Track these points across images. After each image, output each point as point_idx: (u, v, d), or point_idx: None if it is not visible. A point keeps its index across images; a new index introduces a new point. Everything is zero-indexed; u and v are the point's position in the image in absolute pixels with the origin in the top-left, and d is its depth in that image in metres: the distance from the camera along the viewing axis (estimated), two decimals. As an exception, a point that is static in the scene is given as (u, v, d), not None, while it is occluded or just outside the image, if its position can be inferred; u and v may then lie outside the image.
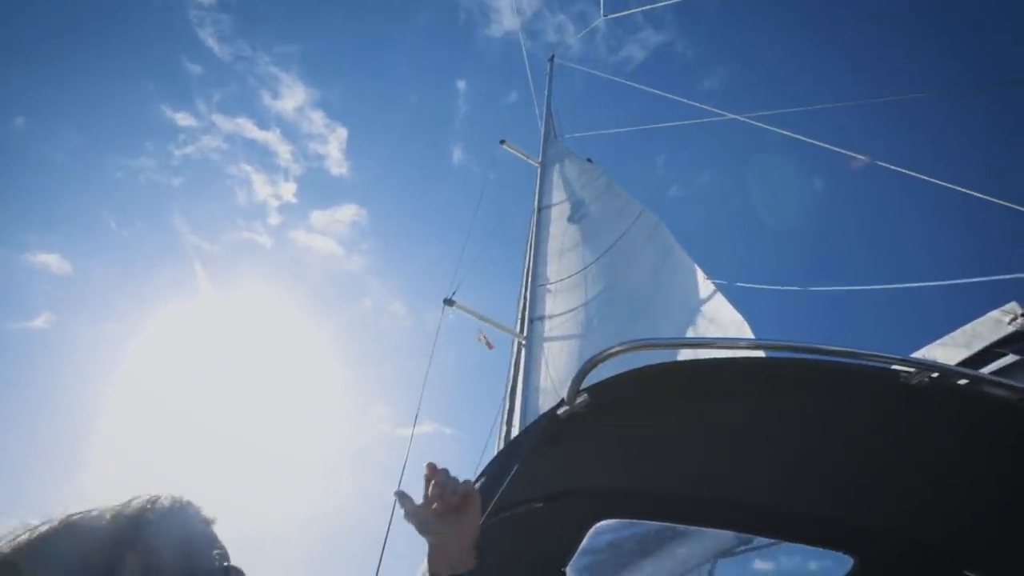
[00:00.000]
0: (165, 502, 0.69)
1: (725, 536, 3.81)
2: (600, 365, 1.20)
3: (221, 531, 0.75)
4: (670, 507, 1.82)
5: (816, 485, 1.66)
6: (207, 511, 0.73)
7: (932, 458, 1.43)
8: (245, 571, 0.70)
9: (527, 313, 10.87)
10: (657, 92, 9.79)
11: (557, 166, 13.31)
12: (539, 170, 13.14)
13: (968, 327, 1.55)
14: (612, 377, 1.21)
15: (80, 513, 0.64)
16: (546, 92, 15.90)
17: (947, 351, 1.51)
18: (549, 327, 10.39)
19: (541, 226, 11.96)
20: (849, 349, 1.20)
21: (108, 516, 0.65)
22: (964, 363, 1.44)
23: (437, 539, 0.97)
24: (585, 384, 1.21)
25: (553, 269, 11.62)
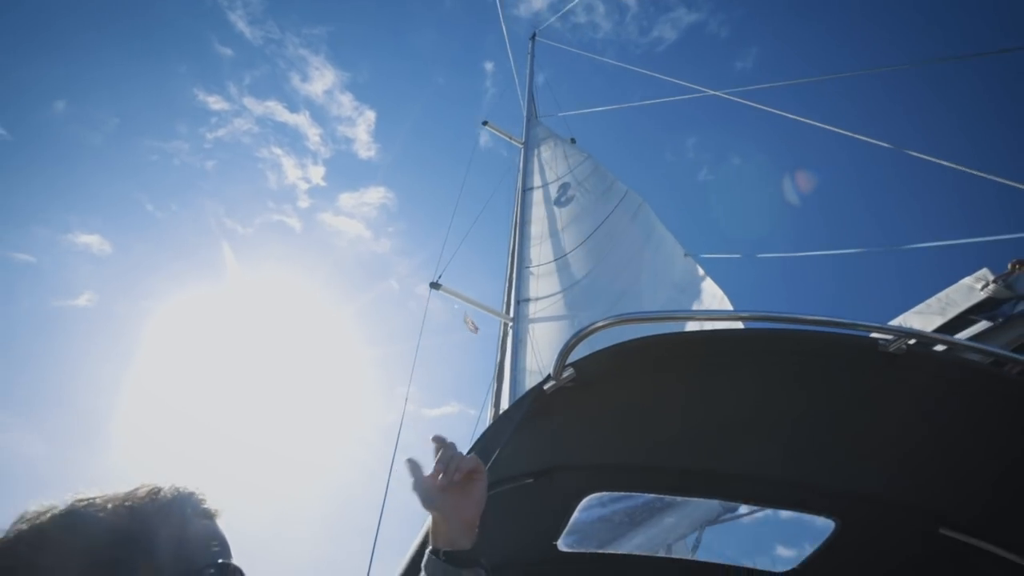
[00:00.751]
0: (167, 494, 0.68)
1: (711, 505, 3.91)
2: (586, 341, 1.22)
3: (233, 520, 0.75)
4: (657, 479, 1.85)
5: (798, 452, 1.70)
6: (210, 503, 0.72)
7: (909, 422, 1.48)
8: (243, 568, 0.69)
9: (513, 295, 10.88)
10: (636, 69, 9.74)
11: (541, 148, 13.24)
12: (522, 151, 13.06)
13: (942, 294, 1.58)
14: (596, 352, 1.23)
15: (84, 500, 0.64)
16: (527, 71, 15.72)
17: (923, 318, 1.54)
18: (535, 309, 10.42)
19: (525, 208, 11.92)
20: (828, 318, 1.22)
21: (109, 507, 0.64)
22: (939, 329, 1.47)
23: (439, 513, 0.95)
24: (571, 359, 1.23)
25: (538, 252, 11.63)
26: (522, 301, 10.85)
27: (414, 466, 0.97)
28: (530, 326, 10.18)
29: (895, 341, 1.21)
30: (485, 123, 13.06)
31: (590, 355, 1.24)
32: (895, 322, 1.62)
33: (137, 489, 0.67)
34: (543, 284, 10.67)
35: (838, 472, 1.74)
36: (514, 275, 11.51)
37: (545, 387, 1.25)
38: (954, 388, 1.33)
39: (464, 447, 1.38)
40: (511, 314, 10.71)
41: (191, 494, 0.71)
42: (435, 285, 10.35)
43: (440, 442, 1.01)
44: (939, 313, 1.65)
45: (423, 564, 0.95)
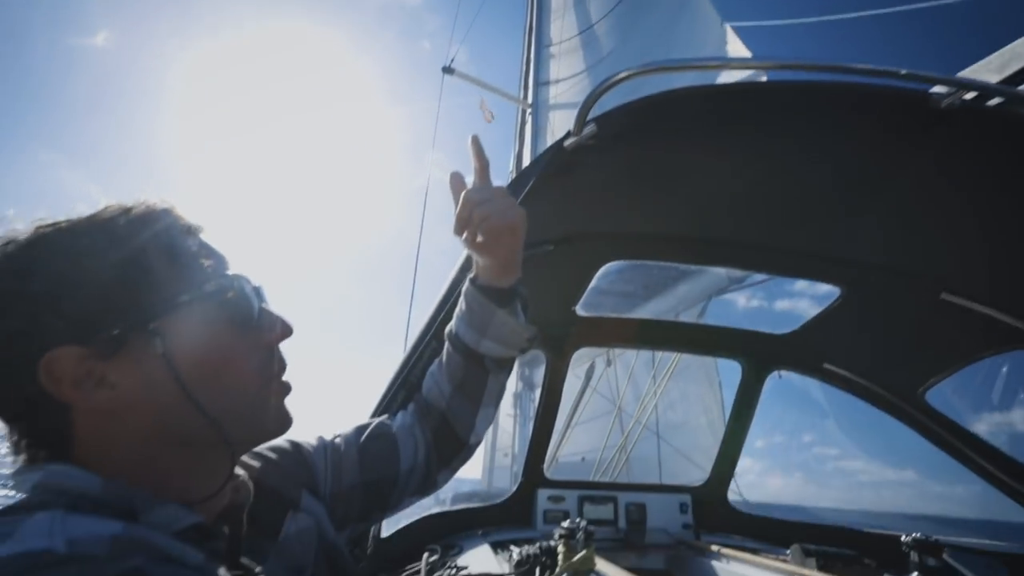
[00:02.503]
0: (140, 210, 0.58)
1: (719, 276, 4.16)
2: (611, 93, 1.14)
3: (270, 273, 0.65)
4: (674, 248, 1.91)
5: (811, 221, 1.71)
6: (192, 219, 0.62)
7: (933, 189, 1.44)
8: (249, 278, 0.63)
9: (531, 77, 10.17)
10: None
11: None
12: None
13: (1006, 49, 1.41)
14: (621, 105, 1.16)
15: (48, 226, 0.55)
16: None
17: (979, 74, 1.39)
18: (555, 93, 9.81)
19: (545, -28, 10.48)
20: (884, 68, 1.11)
21: (79, 228, 0.55)
22: (1002, 83, 1.34)
23: (469, 248, 0.85)
24: (593, 115, 1.16)
25: (559, 27, 10.51)
26: (541, 84, 10.18)
27: (455, 182, 0.83)
28: (550, 114, 9.71)
29: (949, 96, 1.11)
30: None
31: (613, 109, 1.17)
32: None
33: (103, 210, 0.57)
34: (564, 64, 9.86)
35: (848, 240, 1.76)
36: (531, 56, 10.61)
37: (565, 144, 1.20)
38: (1002, 150, 1.26)
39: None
40: (529, 99, 10.14)
41: (167, 209, 0.60)
42: (448, 70, 9.63)
43: (477, 153, 0.85)
44: (997, 71, 1.49)
45: (463, 290, 0.92)
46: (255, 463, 0.73)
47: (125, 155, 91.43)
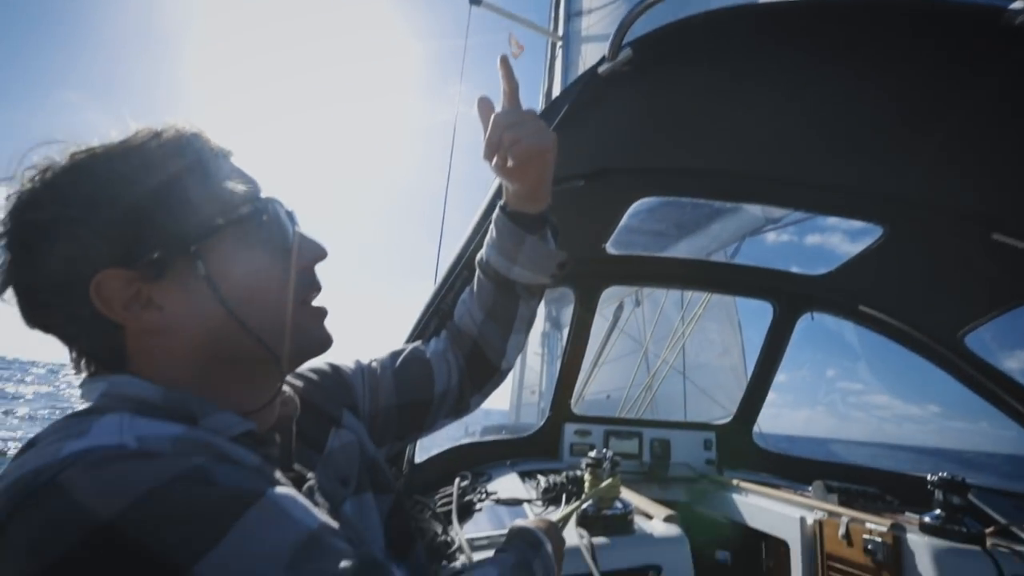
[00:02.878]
0: (169, 133, 0.58)
1: (755, 215, 4.04)
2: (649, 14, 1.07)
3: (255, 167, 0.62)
4: (710, 183, 1.84)
5: (860, 155, 1.62)
6: (221, 143, 0.62)
7: (993, 118, 1.35)
8: (282, 201, 0.63)
9: (562, 8, 9.67)
10: None
11: None
12: None
13: None
14: (660, 27, 1.09)
15: (84, 151, 0.55)
16: None
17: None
18: (587, 24, 9.34)
19: None
20: None
21: (114, 152, 0.56)
22: None
23: (499, 173, 0.82)
24: (629, 39, 1.10)
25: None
26: (573, 15, 9.69)
27: (485, 106, 0.80)
28: (582, 47, 9.29)
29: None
30: None
31: (652, 32, 1.10)
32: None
33: (134, 135, 0.58)
34: (598, -8, 9.31)
35: (895, 176, 1.68)
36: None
37: (600, 70, 1.15)
38: None
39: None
40: (559, 31, 9.69)
41: (196, 133, 0.60)
42: (475, 1, 9.21)
43: (507, 75, 0.81)
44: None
45: (493, 217, 0.93)
46: (299, 383, 0.76)
47: (151, 92, 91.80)
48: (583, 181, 1.70)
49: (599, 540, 1.26)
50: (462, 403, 0.98)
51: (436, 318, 1.53)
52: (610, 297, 5.52)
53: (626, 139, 1.58)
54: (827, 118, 1.47)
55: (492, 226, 0.93)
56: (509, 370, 1.01)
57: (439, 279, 1.58)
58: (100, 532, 0.36)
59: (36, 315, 0.54)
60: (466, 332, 0.97)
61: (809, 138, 1.57)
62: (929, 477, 1.59)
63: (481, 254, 0.96)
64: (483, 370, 0.98)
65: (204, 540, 0.38)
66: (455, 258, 1.52)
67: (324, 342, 0.64)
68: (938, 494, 1.55)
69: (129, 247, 0.53)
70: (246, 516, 0.41)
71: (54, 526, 0.36)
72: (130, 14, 76.39)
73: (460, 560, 1.19)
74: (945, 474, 1.57)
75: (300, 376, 0.79)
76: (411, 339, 1.25)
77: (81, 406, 0.52)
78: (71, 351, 0.57)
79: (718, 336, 6.93)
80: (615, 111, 1.39)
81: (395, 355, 0.94)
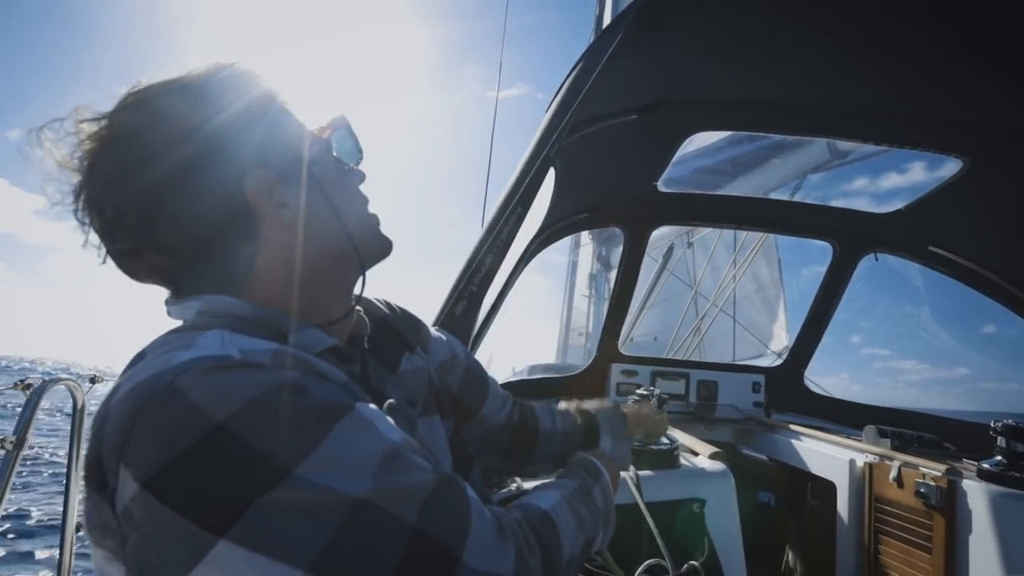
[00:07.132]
0: (239, 66, 0.61)
1: (818, 150, 3.79)
2: None
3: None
4: (770, 115, 1.74)
5: (937, 82, 1.48)
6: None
7: None
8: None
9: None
10: None
11: None
12: None
13: None
14: None
15: (198, 74, 0.58)
16: None
17: None
18: (643, -57, 8.64)
19: None
20: None
21: (224, 72, 0.59)
22: None
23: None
24: None
25: None
26: (627, -66, 8.97)
27: None
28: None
29: None
30: None
31: None
32: None
33: (212, 67, 0.60)
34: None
35: (977, 105, 1.53)
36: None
37: None
38: None
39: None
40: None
41: (255, 73, 0.62)
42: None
43: None
44: None
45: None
46: (384, 309, 0.83)
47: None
48: (636, 115, 1.64)
49: (645, 473, 1.29)
50: (505, 455, 1.02)
51: (464, 300, 1.49)
52: (661, 238, 5.39)
53: (682, 69, 1.49)
54: (905, 41, 1.34)
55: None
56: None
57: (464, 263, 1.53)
58: (217, 430, 0.41)
59: (184, 215, 0.56)
60: (531, 427, 1.03)
61: (883, 63, 1.44)
62: (992, 423, 1.53)
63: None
64: (526, 447, 1.02)
65: (306, 444, 0.42)
66: (479, 241, 1.45)
67: (385, 243, 0.70)
68: (1000, 441, 1.50)
69: (264, 154, 0.59)
70: (340, 425, 0.45)
71: (177, 424, 0.41)
72: (137, 10, 73.76)
73: (511, 486, 1.25)
74: (1011, 421, 1.52)
75: (387, 304, 0.85)
76: (437, 322, 1.26)
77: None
78: (174, 266, 0.59)
79: (756, 274, 6.71)
80: (670, 40, 1.31)
81: (469, 354, 0.98)
